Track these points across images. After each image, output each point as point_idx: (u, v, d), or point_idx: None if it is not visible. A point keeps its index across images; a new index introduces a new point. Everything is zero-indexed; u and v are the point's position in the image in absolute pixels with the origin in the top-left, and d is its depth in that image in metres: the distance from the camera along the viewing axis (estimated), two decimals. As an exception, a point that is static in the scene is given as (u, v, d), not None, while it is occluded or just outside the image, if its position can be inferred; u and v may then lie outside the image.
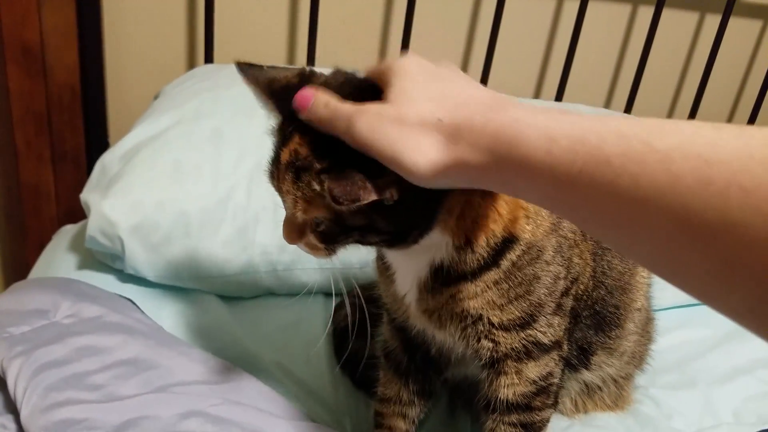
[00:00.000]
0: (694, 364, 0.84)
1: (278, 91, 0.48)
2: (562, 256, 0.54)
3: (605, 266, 0.63)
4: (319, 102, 0.42)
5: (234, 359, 0.67)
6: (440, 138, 0.38)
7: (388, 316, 0.65)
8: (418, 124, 0.39)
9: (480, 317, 0.53)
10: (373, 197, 0.41)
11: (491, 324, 0.53)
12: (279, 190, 0.47)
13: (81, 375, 0.57)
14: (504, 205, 0.51)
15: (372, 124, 0.39)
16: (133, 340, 0.63)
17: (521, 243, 0.51)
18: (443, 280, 0.52)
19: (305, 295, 0.84)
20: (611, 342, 0.66)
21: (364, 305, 0.75)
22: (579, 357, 0.65)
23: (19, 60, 0.95)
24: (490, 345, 0.55)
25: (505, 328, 0.53)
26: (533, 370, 0.56)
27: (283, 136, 0.46)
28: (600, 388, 0.71)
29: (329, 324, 0.78)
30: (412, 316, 0.58)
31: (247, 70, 0.50)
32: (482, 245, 0.50)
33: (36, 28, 0.95)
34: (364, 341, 0.73)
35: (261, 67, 0.51)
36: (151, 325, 0.69)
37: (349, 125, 0.40)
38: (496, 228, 0.50)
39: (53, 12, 0.95)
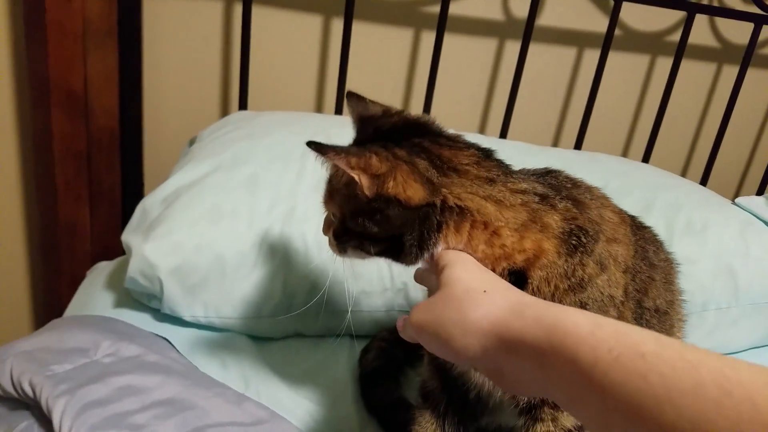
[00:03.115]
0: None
1: (364, 120, 0.60)
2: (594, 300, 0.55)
3: (643, 315, 0.63)
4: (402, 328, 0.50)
5: (265, 399, 0.69)
6: (487, 308, 0.42)
7: (429, 356, 0.65)
8: (466, 298, 0.43)
9: None
10: (341, 164, 0.50)
11: None
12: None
13: (122, 415, 0.59)
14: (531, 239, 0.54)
15: (423, 309, 0.45)
16: (170, 380, 0.65)
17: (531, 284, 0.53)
18: None
19: (333, 337, 0.86)
20: None
21: (392, 349, 0.76)
22: None
23: (63, 103, 1.00)
24: None
25: None
26: (569, 418, 0.57)
27: None
28: None
29: (357, 367, 0.79)
30: None
31: (351, 98, 0.63)
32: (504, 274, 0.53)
33: (81, 74, 1.00)
34: (392, 384, 0.74)
35: (363, 99, 0.62)
36: (186, 365, 0.71)
37: (409, 318, 0.47)
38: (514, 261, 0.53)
39: (97, 59, 1.01)
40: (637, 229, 0.68)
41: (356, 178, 0.51)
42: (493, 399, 0.61)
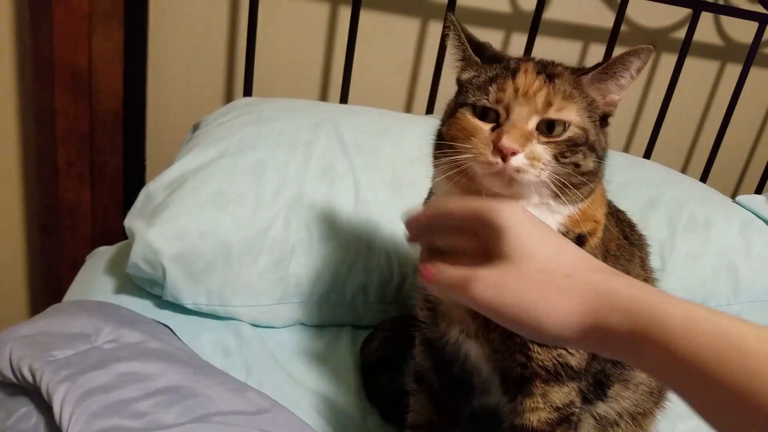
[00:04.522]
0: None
1: (473, 44, 0.57)
2: None
3: None
4: (434, 279, 0.45)
5: (267, 388, 0.70)
6: (575, 298, 0.39)
7: (422, 335, 0.66)
8: (547, 280, 0.40)
9: None
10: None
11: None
12: (524, 92, 0.50)
13: (125, 402, 0.59)
14: (599, 210, 0.56)
15: (490, 292, 0.41)
16: (173, 368, 0.65)
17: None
18: None
19: (336, 327, 0.87)
20: (626, 373, 0.67)
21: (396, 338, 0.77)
22: (596, 391, 0.66)
23: (67, 82, 0.99)
24: (523, 360, 0.56)
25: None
26: (558, 395, 0.57)
27: (506, 62, 0.54)
28: (616, 423, 0.71)
29: (359, 357, 0.80)
30: (458, 320, 0.59)
31: (456, 24, 0.57)
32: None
33: (85, 53, 0.99)
34: (394, 374, 0.75)
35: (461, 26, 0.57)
36: (188, 353, 0.71)
37: (464, 293, 0.42)
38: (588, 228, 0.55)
39: (102, 39, 1.00)
40: (615, 211, 0.69)
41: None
42: (480, 376, 0.62)
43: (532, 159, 0.48)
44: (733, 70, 1.33)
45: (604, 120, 0.54)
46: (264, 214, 0.83)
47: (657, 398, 0.74)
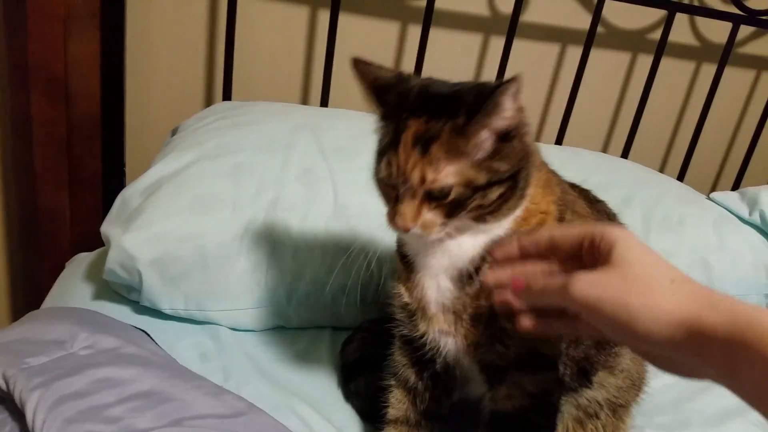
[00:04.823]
0: (689, 404, 0.86)
1: (379, 88, 0.56)
2: None
3: None
4: (530, 289, 0.49)
5: (245, 391, 0.70)
6: (681, 299, 0.41)
7: (399, 333, 0.67)
8: (658, 285, 0.42)
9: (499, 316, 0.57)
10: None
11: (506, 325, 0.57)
12: (403, 172, 0.52)
13: (99, 408, 0.59)
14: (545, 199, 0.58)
15: (592, 288, 0.43)
16: (148, 373, 0.65)
17: None
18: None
19: (314, 329, 0.87)
20: (611, 359, 0.68)
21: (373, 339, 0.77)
22: (579, 378, 0.67)
23: (43, 87, 0.98)
24: (502, 350, 0.58)
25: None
26: (531, 383, 0.59)
27: (396, 123, 0.53)
28: (597, 415, 0.72)
29: (339, 358, 0.80)
30: (434, 320, 0.60)
31: (360, 65, 0.57)
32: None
33: (61, 59, 0.99)
34: (372, 374, 0.75)
35: (371, 64, 0.57)
36: (165, 357, 0.71)
37: (561, 293, 0.45)
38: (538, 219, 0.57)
39: (79, 44, 0.99)
40: (592, 202, 0.72)
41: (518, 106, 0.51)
42: (461, 369, 0.63)
43: (427, 227, 0.53)
44: (709, 70, 1.35)
45: (507, 136, 0.53)
46: (241, 219, 0.83)
47: (636, 391, 0.75)
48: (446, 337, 0.61)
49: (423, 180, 0.51)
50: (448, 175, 0.51)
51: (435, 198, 0.52)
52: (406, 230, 0.53)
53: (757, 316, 0.37)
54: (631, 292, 0.42)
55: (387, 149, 0.53)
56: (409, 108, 0.53)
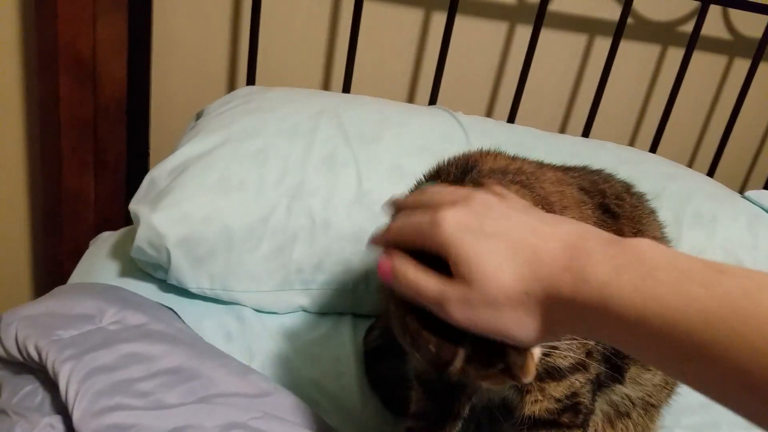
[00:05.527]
0: (718, 406, 0.84)
1: None
2: None
3: None
4: (397, 276, 0.41)
5: (269, 372, 0.70)
6: (536, 314, 0.38)
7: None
8: (509, 304, 0.38)
9: None
10: None
11: None
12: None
13: (129, 381, 0.59)
14: None
15: (465, 313, 0.38)
16: (176, 349, 0.65)
17: None
18: None
19: (337, 314, 0.87)
20: None
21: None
22: (612, 376, 0.65)
23: (71, 69, 0.99)
24: None
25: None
26: (556, 389, 0.57)
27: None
28: (628, 414, 0.70)
29: (362, 345, 0.80)
30: None
31: None
32: None
33: (90, 41, 0.99)
34: (395, 362, 0.74)
35: None
36: (192, 335, 0.71)
37: (441, 312, 0.39)
38: None
39: (107, 26, 1.00)
40: (588, 173, 0.68)
41: None
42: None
43: None
44: (741, 65, 1.33)
45: None
46: (265, 202, 0.83)
47: (669, 391, 0.73)
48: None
49: None
50: None
51: None
52: None
53: (603, 316, 0.35)
54: (497, 317, 0.38)
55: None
56: None
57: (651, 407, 0.71)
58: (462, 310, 0.38)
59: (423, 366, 0.66)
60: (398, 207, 0.48)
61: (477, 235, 0.39)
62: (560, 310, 0.37)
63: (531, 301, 0.37)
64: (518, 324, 0.38)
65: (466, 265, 0.38)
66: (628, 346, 0.36)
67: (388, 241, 0.45)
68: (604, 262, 0.35)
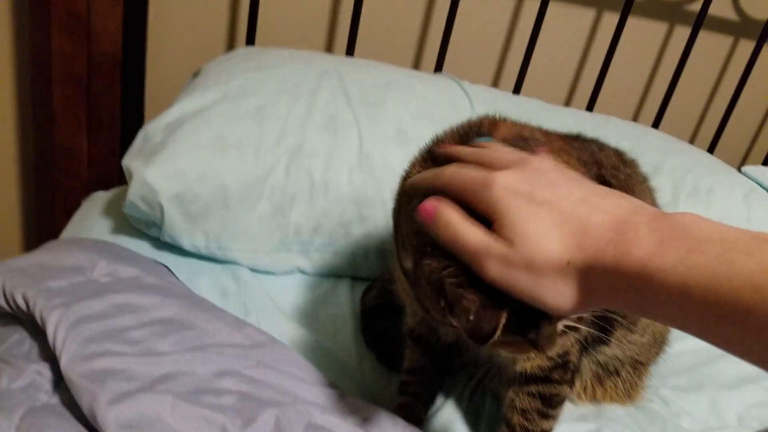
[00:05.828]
0: (704, 369, 0.85)
1: None
2: None
3: None
4: (441, 220, 0.41)
5: (265, 328, 0.68)
6: (575, 284, 0.37)
7: (414, 311, 0.65)
8: (550, 271, 0.37)
9: None
10: None
11: None
12: None
13: (119, 330, 0.58)
14: None
15: (503, 272, 0.38)
16: (169, 301, 0.64)
17: None
18: None
19: (335, 277, 0.85)
20: (630, 317, 0.66)
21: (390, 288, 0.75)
22: (599, 337, 0.65)
23: (64, 23, 0.96)
24: None
25: None
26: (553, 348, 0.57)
27: None
28: (617, 372, 0.71)
29: (359, 304, 0.78)
30: None
31: None
32: None
33: (84, -6, 0.96)
34: (390, 320, 0.74)
35: None
36: (185, 289, 0.70)
37: (477, 266, 0.39)
38: None
39: (102, -21, 0.97)
40: (584, 142, 0.68)
41: None
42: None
43: None
44: (747, 46, 1.31)
45: None
46: (264, 161, 0.81)
47: (657, 349, 0.74)
48: None
49: None
50: None
51: None
52: None
53: (646, 289, 0.34)
54: (536, 281, 0.38)
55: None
56: None
57: (639, 365, 0.72)
58: (500, 268, 0.38)
59: (415, 323, 0.66)
60: (452, 155, 0.47)
61: (527, 200, 0.39)
62: (600, 280, 0.36)
63: (572, 270, 0.37)
64: (555, 292, 0.37)
65: (511, 228, 0.38)
66: (669, 316, 0.35)
67: (436, 187, 0.44)
68: (649, 235, 0.35)
